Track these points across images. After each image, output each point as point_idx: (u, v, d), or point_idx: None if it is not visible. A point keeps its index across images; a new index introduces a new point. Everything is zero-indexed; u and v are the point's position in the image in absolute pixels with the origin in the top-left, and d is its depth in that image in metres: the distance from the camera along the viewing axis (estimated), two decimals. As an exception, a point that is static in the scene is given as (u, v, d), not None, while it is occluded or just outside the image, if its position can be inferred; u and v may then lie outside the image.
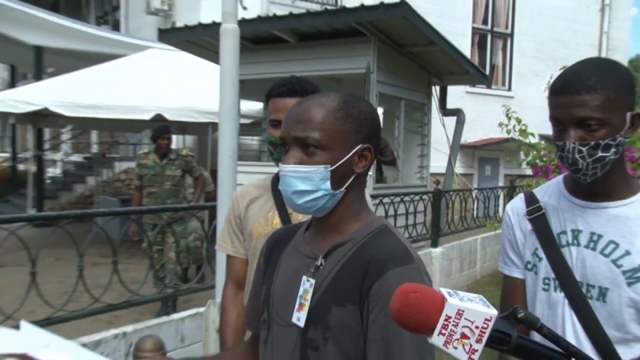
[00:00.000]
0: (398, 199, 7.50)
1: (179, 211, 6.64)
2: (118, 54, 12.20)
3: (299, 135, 1.51)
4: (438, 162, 10.58)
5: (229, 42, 4.03)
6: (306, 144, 1.51)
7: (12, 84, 20.75)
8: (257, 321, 1.68)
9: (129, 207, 6.91)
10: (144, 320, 5.26)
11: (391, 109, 7.52)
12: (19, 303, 4.00)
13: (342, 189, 1.54)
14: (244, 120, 8.37)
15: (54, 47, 14.44)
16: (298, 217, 2.24)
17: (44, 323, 4.13)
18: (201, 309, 4.92)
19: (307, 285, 1.54)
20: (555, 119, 1.72)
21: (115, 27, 17.88)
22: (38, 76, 14.28)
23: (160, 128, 7.36)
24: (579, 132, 1.66)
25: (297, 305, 1.53)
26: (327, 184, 1.50)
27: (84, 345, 4.21)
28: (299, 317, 1.52)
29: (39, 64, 14.66)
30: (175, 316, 5.03)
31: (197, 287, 5.71)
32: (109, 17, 19.48)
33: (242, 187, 2.70)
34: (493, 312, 1.07)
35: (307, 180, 1.50)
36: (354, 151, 1.53)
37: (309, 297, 1.51)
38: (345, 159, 1.52)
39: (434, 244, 8.92)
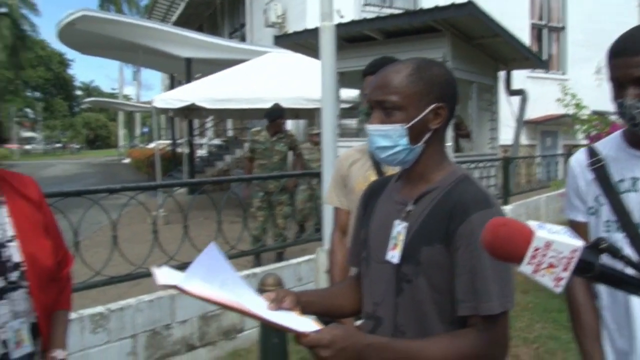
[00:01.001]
0: (473, 165, 7.29)
1: (290, 177, 6.60)
2: (245, 59, 12.34)
3: (379, 99, 1.43)
4: (506, 135, 10.12)
5: (327, 37, 3.94)
6: (385, 106, 1.42)
7: (171, 87, 21.45)
8: (358, 259, 1.59)
9: (250, 175, 6.83)
10: (266, 264, 5.32)
11: (464, 91, 7.20)
12: (177, 249, 4.09)
13: (420, 143, 1.43)
14: (344, 105, 8.22)
15: (199, 58, 14.97)
16: None
17: None
18: (312, 256, 4.86)
19: (399, 227, 1.43)
20: (614, 79, 1.57)
21: (243, 39, 18.11)
22: (188, 80, 14.73)
23: (276, 110, 7.24)
24: (637, 90, 1.51)
25: (390, 245, 1.44)
26: (405, 140, 1.41)
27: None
28: (393, 255, 1.42)
29: (189, 71, 15.24)
30: (293, 261, 5.05)
31: (308, 239, 5.66)
32: (237, 32, 19.76)
33: (345, 151, 2.65)
34: (579, 243, 0.95)
35: (387, 137, 1.42)
36: (428, 110, 1.42)
37: (401, 238, 1.42)
38: (419, 117, 1.41)
39: (505, 203, 8.62)
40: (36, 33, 46.32)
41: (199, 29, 23.02)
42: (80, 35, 15.47)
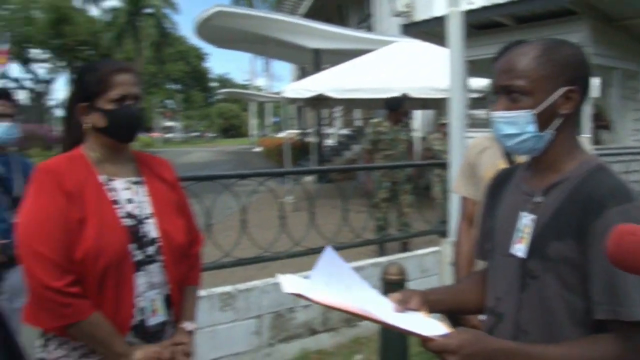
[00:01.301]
0: (614, 158, 6.72)
1: (417, 167, 6.50)
2: (372, 49, 12.30)
3: (504, 84, 1.35)
4: (654, 125, 9.23)
5: (455, 24, 3.84)
6: (510, 91, 1.33)
7: (301, 78, 21.98)
8: (484, 251, 1.53)
9: (379, 164, 6.80)
10: (385, 255, 5.31)
11: (605, 78, 6.65)
12: (304, 236, 4.21)
13: (550, 130, 1.33)
14: (473, 95, 7.94)
15: (327, 49, 15.20)
16: None
17: (320, 250, 4.25)
18: (438, 248, 4.78)
19: (526, 220, 1.35)
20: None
21: (370, 29, 18.11)
22: (317, 71, 15.01)
23: (397, 99, 7.17)
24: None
25: (516, 238, 1.36)
26: (532, 127, 1.31)
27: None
28: (519, 249, 1.35)
29: (317, 62, 15.51)
30: (418, 252, 4.99)
31: (433, 230, 5.55)
32: (365, 22, 19.80)
33: (474, 139, 2.55)
34: None
35: (513, 124, 1.33)
36: (557, 94, 1.31)
37: (528, 230, 1.34)
38: (548, 102, 1.31)
39: (652, 198, 7.81)
40: (176, 30, 49.62)
41: (327, 20, 23.32)
42: (215, 30, 16.36)
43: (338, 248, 4.42)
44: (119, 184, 1.75)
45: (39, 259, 1.54)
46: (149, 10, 43.72)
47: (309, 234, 4.31)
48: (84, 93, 1.72)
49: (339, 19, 22.53)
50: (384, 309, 1.27)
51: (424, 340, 1.18)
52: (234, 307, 3.70)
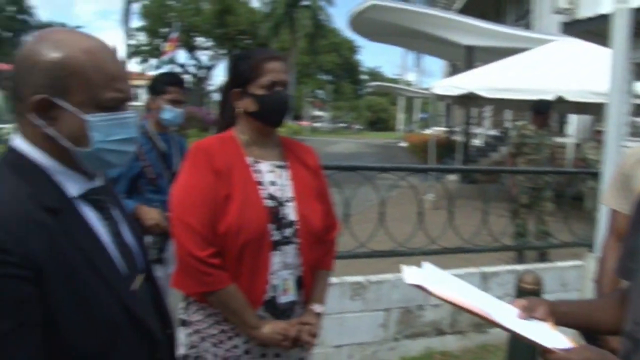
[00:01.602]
0: None
1: (567, 174, 6.13)
2: (528, 47, 11.71)
3: None
4: None
5: (620, 22, 3.58)
6: None
7: (451, 75, 21.56)
8: (627, 270, 1.38)
9: (525, 168, 6.49)
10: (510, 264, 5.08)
11: None
12: (440, 234, 4.16)
13: None
14: (637, 101, 7.30)
15: (481, 46, 14.76)
16: None
17: (456, 250, 4.33)
18: (581, 262, 4.49)
19: None
20: None
21: (527, 27, 17.26)
22: (468, 68, 14.64)
23: (544, 103, 6.79)
24: None
25: None
26: None
27: (483, 273, 4.26)
28: None
29: (469, 59, 15.12)
30: (559, 264, 4.73)
31: (577, 242, 5.21)
32: (523, 19, 18.90)
33: (631, 148, 2.35)
34: None
35: None
36: None
37: None
38: None
39: None
40: (330, 22, 50.80)
41: (482, 16, 22.54)
42: (368, 23, 16.55)
43: (474, 251, 4.35)
44: (264, 166, 1.87)
45: (188, 230, 1.70)
46: (305, 3, 45.19)
47: (445, 233, 4.27)
48: (238, 79, 1.86)
49: (495, 15, 21.72)
50: (505, 314, 1.24)
51: (544, 352, 1.14)
52: (363, 298, 3.77)
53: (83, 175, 1.12)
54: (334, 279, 3.67)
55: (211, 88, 56.62)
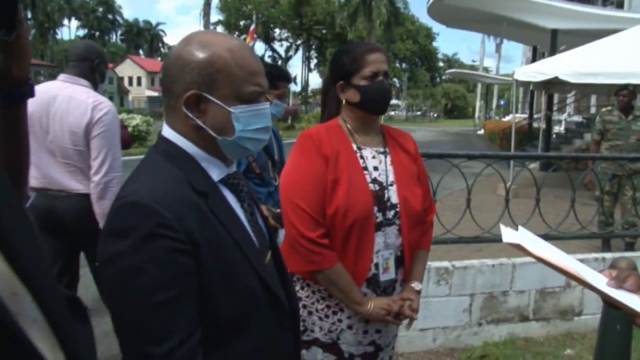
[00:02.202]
0: None
1: None
2: (620, 29, 11.19)
3: None
4: None
5: None
6: None
7: (533, 59, 20.89)
8: None
9: (612, 154, 6.24)
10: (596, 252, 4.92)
11: None
12: (525, 222, 4.14)
13: None
14: None
15: (566, 29, 14.22)
16: None
17: (541, 237, 4.20)
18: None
19: None
20: None
21: (620, 6, 16.41)
22: (552, 53, 14.20)
23: (621, 86, 6.53)
24: None
25: None
26: None
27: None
28: None
29: (554, 43, 14.62)
30: (653, 254, 4.56)
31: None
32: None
33: None
34: None
35: None
36: None
37: None
38: None
39: None
40: (407, 9, 50.21)
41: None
42: (447, 9, 16.31)
43: (559, 238, 4.31)
44: (367, 152, 2.00)
45: (298, 212, 1.86)
46: (381, -10, 44.91)
47: (529, 221, 4.25)
48: (341, 72, 1.99)
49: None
50: (596, 279, 1.27)
51: (635, 316, 1.17)
52: (448, 283, 3.85)
53: (222, 162, 1.27)
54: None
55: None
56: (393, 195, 1.97)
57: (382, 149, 2.05)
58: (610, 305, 1.26)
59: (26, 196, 1.27)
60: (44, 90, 2.99)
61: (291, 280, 1.51)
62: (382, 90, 1.96)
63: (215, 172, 1.25)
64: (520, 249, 1.27)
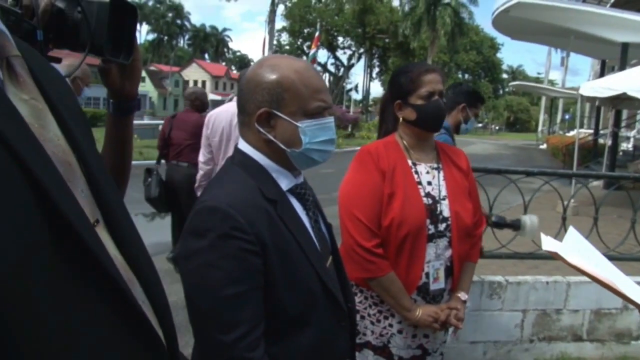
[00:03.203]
0: None
1: None
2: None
3: None
4: None
5: None
6: None
7: (601, 73, 20.29)
8: None
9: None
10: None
11: None
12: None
13: None
14: None
15: (637, 42, 13.74)
16: None
17: None
18: None
19: None
20: None
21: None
22: (622, 67, 13.76)
23: None
24: None
25: None
26: None
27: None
28: None
29: (624, 57, 14.19)
30: None
31: None
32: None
33: None
34: None
35: None
36: None
37: None
38: None
39: None
40: (472, 20, 49.62)
41: (642, 9, 20.98)
42: (512, 21, 16.06)
43: (618, 259, 4.24)
44: (422, 168, 2.12)
45: (356, 222, 1.99)
46: (447, 0, 44.56)
47: (587, 240, 4.21)
48: (399, 91, 2.12)
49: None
50: (635, 292, 1.31)
51: None
52: (501, 297, 3.87)
53: (291, 173, 1.41)
54: (473, 278, 3.81)
55: (350, 86, 57.63)
56: (445, 209, 2.07)
57: (435, 165, 2.16)
58: None
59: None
60: (225, 109, 4.20)
61: (350, 284, 1.63)
62: (438, 109, 2.07)
63: (284, 182, 1.39)
64: (556, 257, 1.34)
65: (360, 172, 2.07)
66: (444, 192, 2.10)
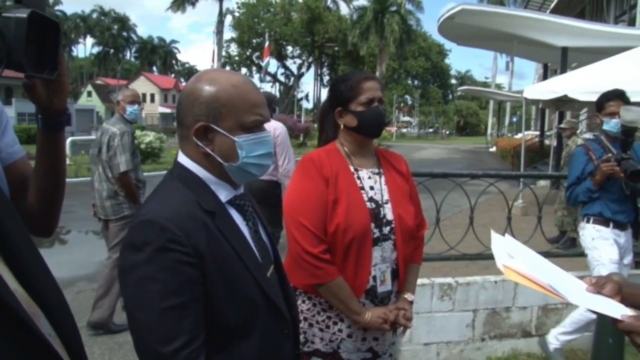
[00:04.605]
0: None
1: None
2: (631, 46, 11.22)
3: None
4: None
5: None
6: None
7: (544, 77, 21.01)
8: None
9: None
10: None
11: None
12: (527, 240, 4.21)
13: None
14: None
15: (577, 47, 14.36)
16: None
17: (544, 255, 4.29)
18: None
19: None
20: None
21: (631, 23, 16.52)
22: (563, 70, 14.30)
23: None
24: None
25: None
26: None
27: None
28: None
29: (565, 61, 14.75)
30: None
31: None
32: (625, 15, 18.10)
33: None
34: None
35: None
36: None
37: None
38: None
39: None
40: (420, 27, 50.59)
41: (580, 14, 21.87)
42: (458, 27, 16.49)
43: (562, 256, 4.41)
44: (364, 173, 2.18)
45: (302, 229, 2.02)
46: (394, 8, 45.33)
47: (533, 240, 4.34)
48: (339, 99, 2.18)
49: (595, 13, 20.96)
50: (572, 288, 1.38)
51: (614, 321, 1.28)
52: (452, 298, 3.97)
53: (230, 185, 1.44)
54: (424, 280, 3.90)
55: (300, 95, 57.86)
56: (388, 212, 2.14)
57: (377, 170, 2.22)
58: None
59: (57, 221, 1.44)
60: (272, 126, 4.76)
61: (293, 292, 1.66)
62: (378, 115, 2.14)
63: (223, 194, 1.42)
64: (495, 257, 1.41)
65: (304, 180, 2.11)
66: (386, 196, 2.17)
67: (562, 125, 8.61)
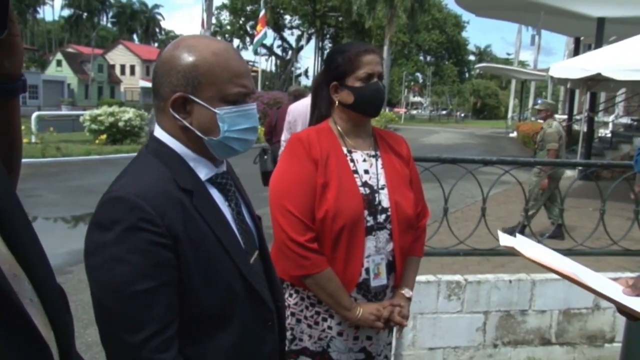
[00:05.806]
0: None
1: None
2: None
3: None
4: None
5: None
6: None
7: (575, 53, 20.93)
8: None
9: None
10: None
11: None
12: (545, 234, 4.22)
13: None
14: None
15: (616, 17, 14.10)
16: None
17: (567, 253, 4.30)
18: None
19: None
20: None
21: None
22: (599, 45, 14.12)
23: None
24: None
25: None
26: None
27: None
28: None
29: (600, 34, 14.50)
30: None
31: None
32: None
33: None
34: None
35: None
36: None
37: None
38: None
39: None
40: (434, -5, 50.34)
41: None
42: (477, -5, 16.36)
43: (586, 254, 4.39)
44: (358, 155, 2.19)
45: (287, 216, 2.04)
46: (406, -28, 45.05)
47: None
48: (335, 73, 2.18)
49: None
50: (606, 287, 1.38)
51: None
52: (460, 298, 3.99)
53: (211, 162, 1.46)
54: (430, 277, 3.92)
55: (299, 71, 57.69)
56: (384, 199, 2.15)
57: (373, 152, 2.23)
58: (627, 316, 1.38)
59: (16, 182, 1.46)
60: (303, 103, 5.94)
61: (279, 282, 1.68)
62: (377, 92, 2.15)
63: (203, 172, 1.44)
64: (514, 252, 1.44)
65: (291, 162, 2.12)
66: (382, 181, 2.18)
67: (537, 107, 8.55)
